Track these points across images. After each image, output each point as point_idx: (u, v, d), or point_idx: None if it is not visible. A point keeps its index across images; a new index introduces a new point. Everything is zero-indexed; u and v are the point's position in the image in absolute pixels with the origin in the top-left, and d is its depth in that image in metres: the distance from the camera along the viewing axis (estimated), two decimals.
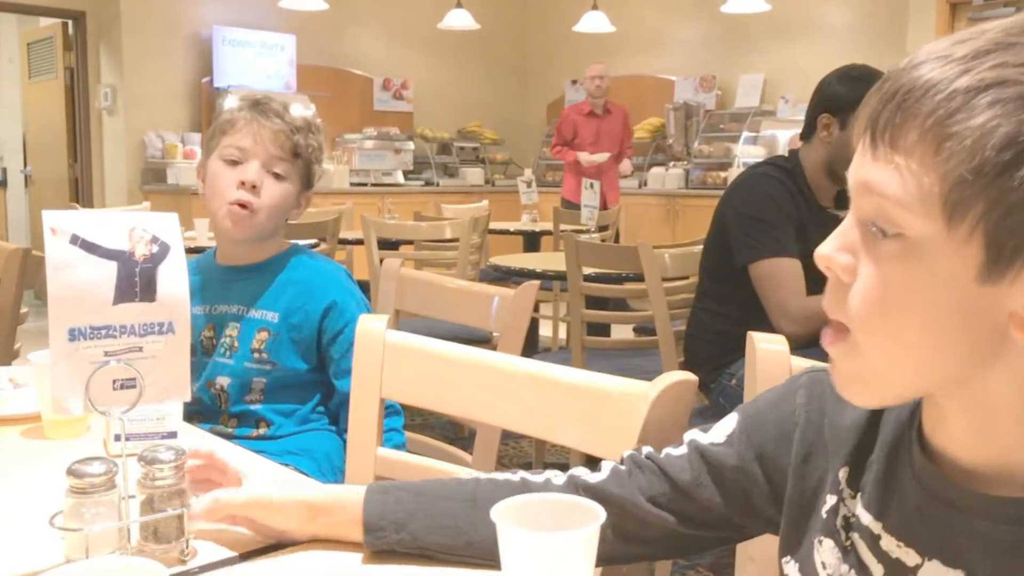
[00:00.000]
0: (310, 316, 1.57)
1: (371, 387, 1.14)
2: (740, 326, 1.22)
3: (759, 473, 0.78)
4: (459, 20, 7.07)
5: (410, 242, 4.34)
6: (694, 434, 0.83)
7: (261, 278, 1.61)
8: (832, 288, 0.62)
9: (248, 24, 7.27)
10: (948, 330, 0.58)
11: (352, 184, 7.42)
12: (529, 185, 5.24)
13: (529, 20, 8.98)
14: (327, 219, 3.97)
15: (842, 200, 2.28)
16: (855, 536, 0.69)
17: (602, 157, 6.14)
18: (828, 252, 0.62)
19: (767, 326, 2.04)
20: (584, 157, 6.15)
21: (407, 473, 1.18)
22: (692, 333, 2.40)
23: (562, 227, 4.70)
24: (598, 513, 0.68)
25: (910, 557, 0.65)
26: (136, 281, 0.87)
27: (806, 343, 2.03)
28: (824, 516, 0.72)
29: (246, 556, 0.86)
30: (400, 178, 7.84)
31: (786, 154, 2.37)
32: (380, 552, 0.84)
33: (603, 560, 0.73)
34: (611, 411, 0.94)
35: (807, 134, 2.25)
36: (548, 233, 5.04)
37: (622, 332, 3.66)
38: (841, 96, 2.14)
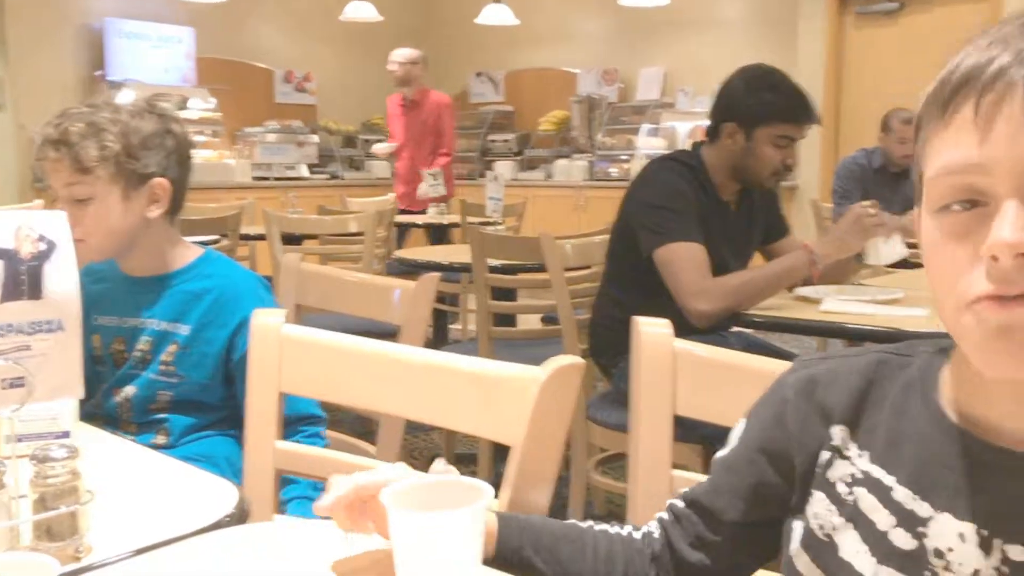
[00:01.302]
0: (222, 330, 1.55)
1: (268, 380, 1.15)
2: (641, 313, 1.27)
3: (764, 462, 0.81)
4: (361, 12, 7.01)
5: (315, 237, 4.30)
6: (719, 454, 0.86)
7: (172, 290, 1.57)
8: (1015, 271, 0.60)
9: (143, 16, 7.07)
10: None
11: (255, 178, 7.29)
12: (435, 178, 5.24)
13: (433, 12, 8.96)
14: (227, 214, 3.91)
15: (745, 199, 2.36)
16: (860, 491, 0.73)
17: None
18: (1015, 237, 0.60)
19: (668, 313, 2.09)
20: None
21: (307, 465, 1.19)
22: (595, 321, 2.46)
23: (469, 219, 4.72)
24: (484, 492, 0.71)
25: (923, 508, 0.70)
26: (23, 279, 0.87)
27: (719, 322, 2.12)
28: (817, 472, 0.77)
29: (141, 551, 0.87)
30: (304, 172, 7.73)
31: (688, 147, 2.44)
32: None
33: None
34: (505, 396, 0.97)
35: (712, 136, 2.31)
36: (457, 226, 5.06)
37: (532, 322, 3.71)
38: (748, 109, 2.21)
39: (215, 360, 1.55)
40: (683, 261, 2.13)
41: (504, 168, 7.67)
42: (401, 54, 5.72)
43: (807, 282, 2.20)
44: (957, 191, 0.63)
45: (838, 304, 2.05)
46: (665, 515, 0.88)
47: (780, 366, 0.93)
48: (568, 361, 0.93)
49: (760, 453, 0.81)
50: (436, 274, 1.60)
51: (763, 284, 2.11)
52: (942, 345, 0.75)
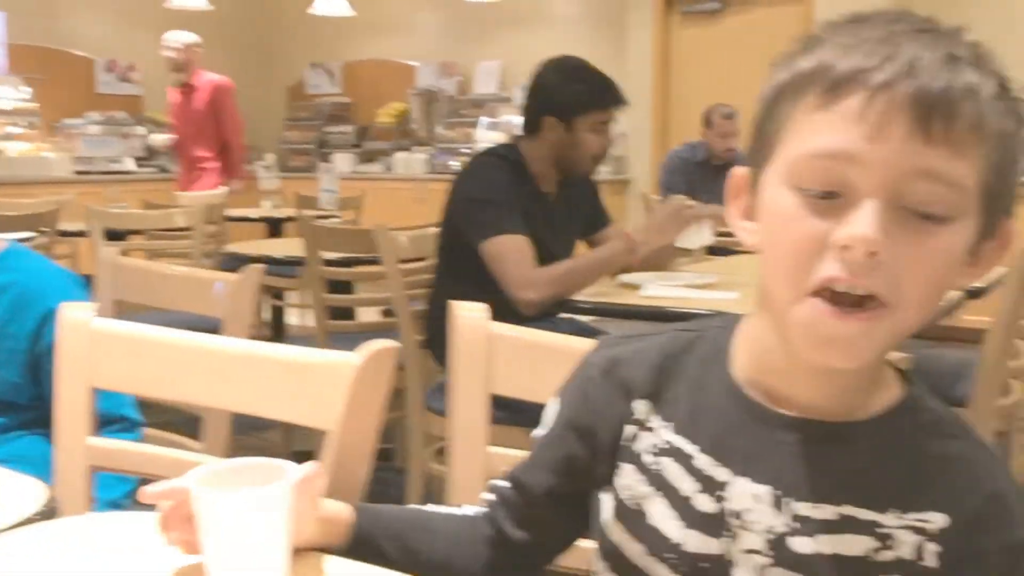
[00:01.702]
0: (25, 325, 1.48)
1: (77, 375, 1.11)
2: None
3: (573, 437, 0.84)
4: (188, 0, 6.77)
5: (141, 232, 4.13)
6: (535, 432, 0.89)
7: None
8: (867, 265, 0.64)
9: None
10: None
11: (77, 172, 6.91)
12: (269, 170, 5.13)
13: (265, 1, 8.73)
14: (43, 210, 3.70)
15: (565, 190, 2.44)
16: (665, 460, 0.78)
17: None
18: (875, 235, 0.63)
19: (499, 302, 2.15)
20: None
21: (124, 461, 1.16)
22: (430, 312, 2.48)
23: (305, 212, 4.64)
24: (289, 471, 0.72)
25: (721, 473, 0.75)
26: None
27: (548, 309, 2.18)
28: (622, 446, 0.81)
29: None
30: (130, 165, 7.39)
31: (508, 141, 2.50)
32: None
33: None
34: (320, 383, 0.97)
35: (530, 130, 2.37)
36: (293, 219, 4.97)
37: (373, 315, 3.69)
38: (565, 101, 2.30)
39: (22, 357, 1.48)
40: (508, 253, 2.19)
41: (342, 161, 7.59)
42: (178, 38, 5.51)
43: (628, 269, 2.30)
44: (825, 177, 0.66)
45: (658, 289, 2.15)
46: (490, 495, 0.90)
47: (589, 344, 0.98)
48: (381, 345, 0.94)
49: (569, 429, 0.85)
50: (259, 266, 1.58)
51: (586, 271, 2.20)
52: (731, 320, 0.81)
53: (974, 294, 2.27)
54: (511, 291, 2.17)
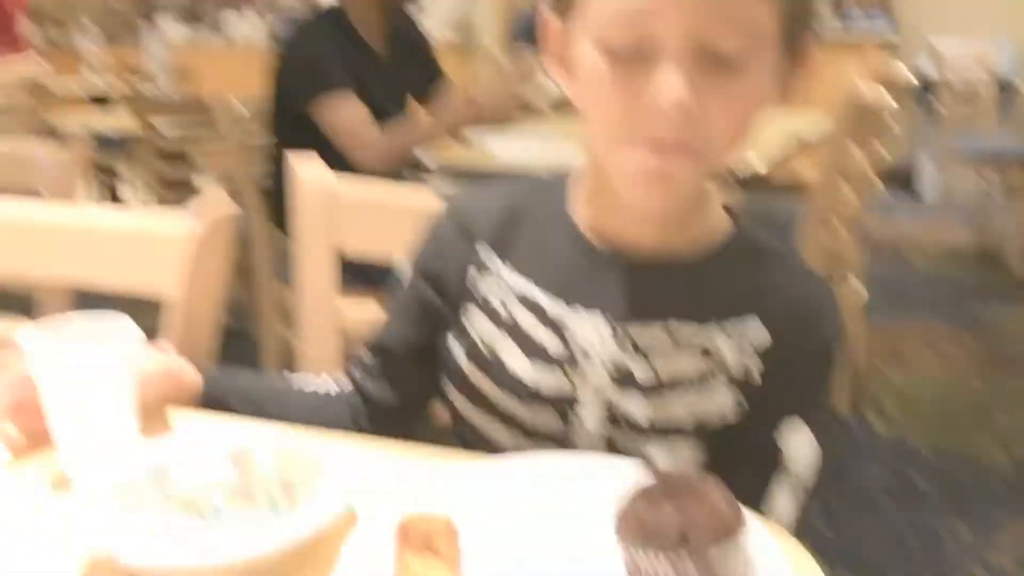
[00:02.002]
0: None
1: None
2: None
3: (424, 285, 0.85)
4: None
5: None
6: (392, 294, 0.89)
7: None
8: (679, 118, 0.66)
9: None
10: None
11: None
12: (89, 38, 4.76)
13: None
14: None
15: (395, 45, 2.38)
16: (512, 303, 0.80)
17: None
18: (682, 96, 0.65)
19: (340, 166, 2.11)
20: None
21: None
22: (272, 186, 2.39)
23: (134, 83, 4.35)
24: (126, 324, 0.70)
25: (563, 309, 0.78)
26: None
27: (388, 170, 2.15)
28: (467, 288, 0.83)
29: None
30: None
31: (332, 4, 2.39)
32: None
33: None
34: (157, 249, 0.94)
35: None
36: (121, 92, 4.65)
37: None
38: None
39: None
40: (341, 113, 2.16)
41: (170, 26, 7.11)
42: None
43: (465, 124, 2.29)
44: (630, 34, 0.66)
45: (501, 146, 2.16)
46: (352, 366, 0.91)
47: (434, 201, 0.97)
48: (220, 206, 0.91)
49: (421, 278, 0.86)
50: (83, 136, 1.48)
51: (424, 130, 2.19)
52: (569, 170, 0.83)
53: (804, 145, 2.38)
54: (349, 154, 2.14)
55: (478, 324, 0.82)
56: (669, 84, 0.65)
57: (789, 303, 0.77)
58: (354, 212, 1.07)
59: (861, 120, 1.97)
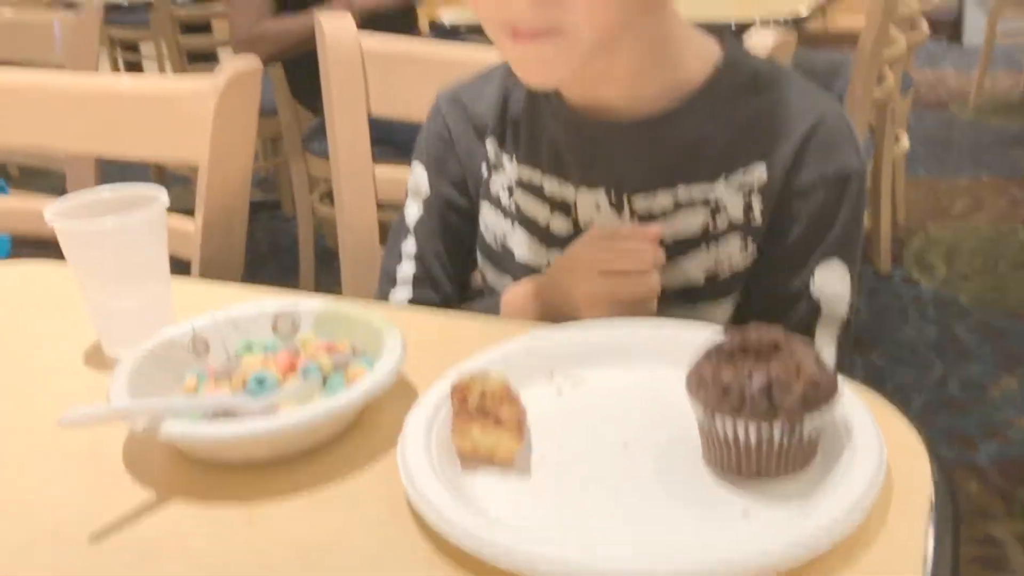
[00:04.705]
0: None
1: None
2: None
3: (450, 188, 0.82)
4: None
5: None
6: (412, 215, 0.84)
7: None
8: (528, 9, 0.63)
9: None
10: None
11: None
12: None
13: None
14: None
15: None
16: (519, 193, 0.77)
17: None
18: (526, 4, 0.62)
19: None
20: None
21: None
22: (289, 59, 2.33)
23: None
24: (159, 194, 0.67)
25: (568, 191, 0.75)
26: None
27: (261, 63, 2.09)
28: (481, 187, 0.80)
29: None
30: None
31: None
32: None
33: None
34: (181, 112, 0.90)
35: None
36: None
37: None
38: None
39: None
40: (236, 6, 2.09)
41: None
42: None
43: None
44: None
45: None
46: (387, 285, 0.86)
47: (462, 50, 0.92)
48: (243, 66, 0.87)
49: (445, 184, 0.83)
50: (97, 2, 1.42)
51: (301, 33, 2.04)
52: None
53: None
54: (232, 40, 2.11)
55: (488, 220, 0.80)
56: None
57: (788, 132, 0.70)
58: (384, 70, 1.01)
59: None
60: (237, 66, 0.87)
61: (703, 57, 0.73)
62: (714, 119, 0.71)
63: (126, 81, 0.92)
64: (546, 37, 0.64)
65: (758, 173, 0.71)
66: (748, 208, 0.71)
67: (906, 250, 2.65)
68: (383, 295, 0.85)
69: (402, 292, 0.84)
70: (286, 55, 2.13)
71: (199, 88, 0.89)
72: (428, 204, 0.84)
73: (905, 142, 2.57)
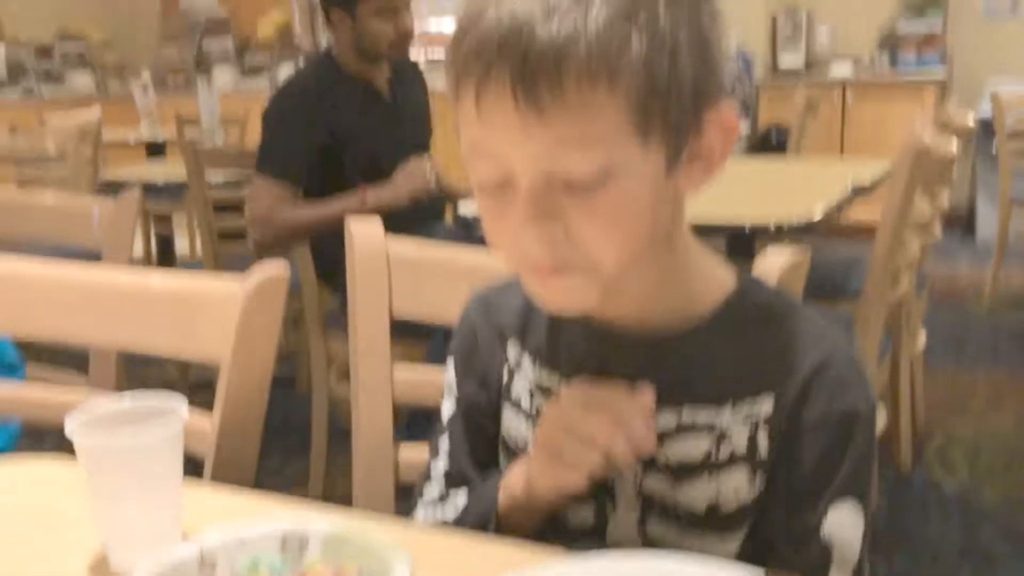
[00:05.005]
0: None
1: None
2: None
3: (478, 387, 0.83)
4: None
5: (9, 160, 3.88)
6: (446, 411, 0.86)
7: None
8: (547, 247, 0.64)
9: None
10: (655, 220, 0.66)
11: None
12: (146, 90, 4.87)
13: None
14: None
15: (400, 86, 2.35)
16: (538, 396, 0.77)
17: None
18: (534, 227, 0.63)
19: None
20: None
21: (8, 405, 1.09)
22: (315, 239, 2.40)
23: (187, 132, 4.44)
24: (179, 408, 0.67)
25: None
26: None
27: (273, 253, 2.16)
28: (502, 388, 0.81)
29: None
30: None
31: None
32: None
33: None
34: (207, 312, 0.92)
35: (329, 24, 2.29)
36: (174, 141, 4.74)
37: None
38: None
39: None
40: (255, 195, 2.22)
41: (223, 76, 7.27)
42: None
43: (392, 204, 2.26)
44: (486, 169, 0.65)
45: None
46: (438, 489, 0.86)
47: (486, 256, 0.95)
48: (271, 272, 0.89)
49: (470, 383, 0.84)
50: (136, 190, 1.48)
51: (310, 224, 2.21)
52: None
53: (862, 191, 2.33)
54: (247, 220, 2.22)
55: (509, 421, 0.81)
56: (518, 214, 0.63)
57: (796, 368, 0.70)
58: (410, 273, 1.04)
59: (922, 166, 1.92)
60: (265, 272, 0.89)
61: (715, 286, 0.74)
62: (722, 347, 0.72)
63: (156, 278, 0.95)
64: (568, 272, 0.66)
65: (766, 406, 0.70)
66: (753, 440, 0.71)
67: (927, 449, 2.61)
68: (420, 491, 0.85)
69: (435, 488, 0.84)
70: (298, 240, 2.23)
71: (227, 290, 0.91)
72: (458, 402, 0.85)
73: (922, 340, 2.57)
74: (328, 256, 2.33)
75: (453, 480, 0.83)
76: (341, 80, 2.27)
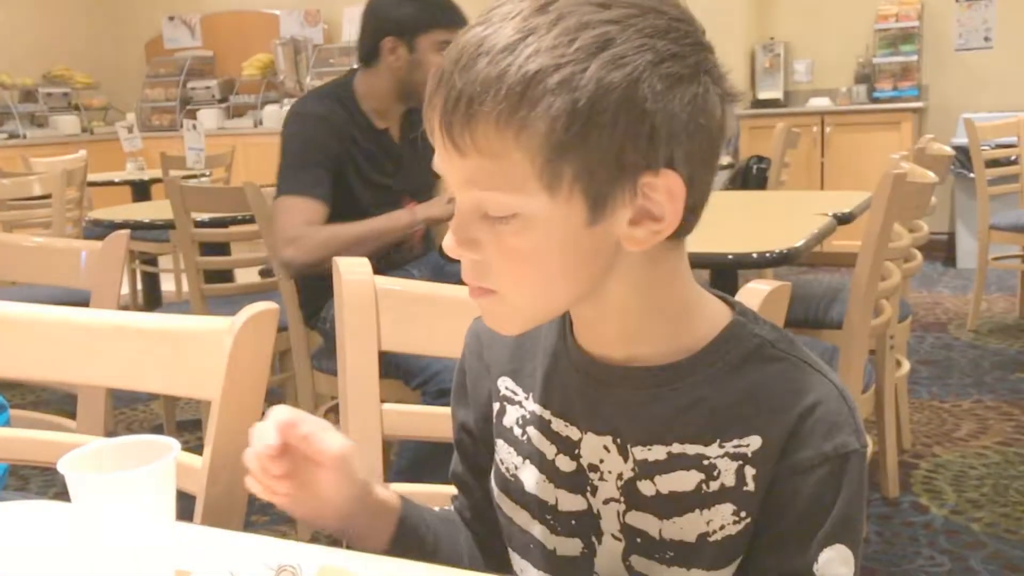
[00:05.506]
0: None
1: None
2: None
3: (467, 419, 0.87)
4: None
5: None
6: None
7: None
8: (467, 266, 0.69)
9: None
10: (574, 265, 0.68)
11: None
12: (131, 131, 4.89)
13: None
14: None
15: (409, 129, 2.29)
16: (531, 430, 0.79)
17: None
18: (455, 248, 0.68)
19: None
20: None
21: None
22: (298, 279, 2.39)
23: (172, 173, 4.46)
24: (171, 448, 0.68)
25: (573, 432, 0.76)
26: None
27: (309, 271, 2.10)
28: (494, 423, 0.83)
29: None
30: None
31: (343, 76, 2.31)
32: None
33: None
34: (196, 350, 0.93)
35: (368, 60, 2.20)
36: (159, 181, 4.76)
37: (251, 276, 3.57)
38: (405, 20, 2.14)
39: None
40: (284, 213, 2.11)
41: (208, 117, 7.30)
42: None
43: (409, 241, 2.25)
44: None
45: None
46: (455, 502, 0.92)
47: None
48: (261, 308, 0.90)
49: (459, 409, 0.88)
50: (124, 232, 1.49)
51: (355, 239, 2.10)
52: None
53: (843, 220, 2.36)
54: (274, 251, 2.11)
55: (503, 455, 0.82)
56: (451, 240, 0.68)
57: (787, 407, 0.70)
58: (398, 310, 1.06)
59: (901, 195, 1.95)
60: (255, 307, 0.90)
61: (707, 324, 0.74)
62: (713, 384, 0.72)
63: (145, 318, 0.96)
64: (484, 295, 0.70)
65: (753, 444, 0.71)
66: (741, 476, 0.71)
67: (913, 475, 2.63)
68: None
69: (456, 502, 0.92)
70: (340, 255, 2.13)
71: (216, 327, 0.92)
72: (455, 425, 0.89)
73: (906, 366, 2.60)
74: (311, 300, 2.33)
75: (456, 477, 0.91)
76: (357, 115, 2.20)
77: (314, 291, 2.28)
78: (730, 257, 1.87)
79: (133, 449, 0.70)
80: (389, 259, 2.22)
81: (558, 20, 0.63)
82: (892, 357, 2.43)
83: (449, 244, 0.69)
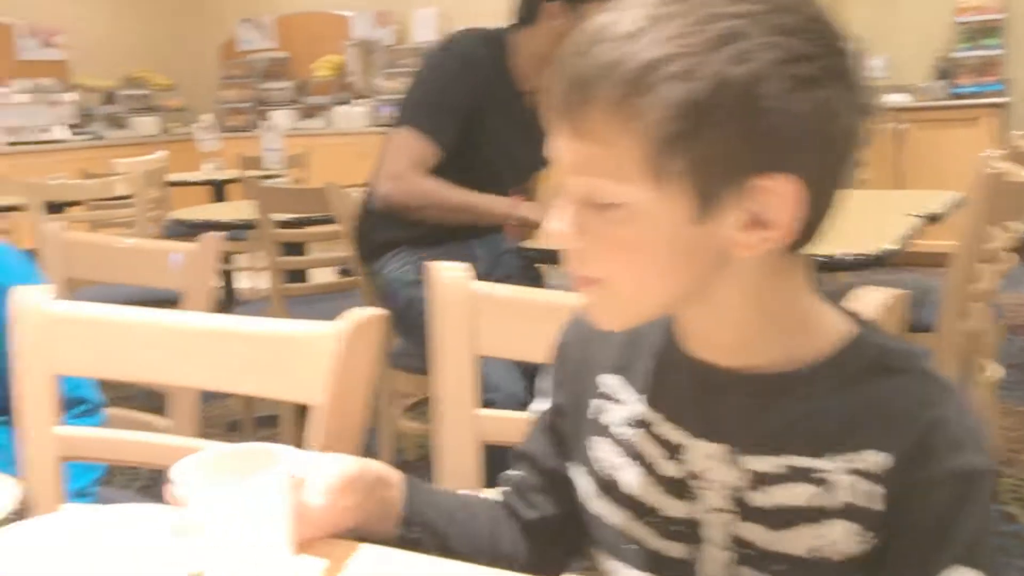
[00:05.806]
0: None
1: (37, 363, 1.05)
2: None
3: (556, 417, 0.86)
4: None
5: (80, 203, 3.99)
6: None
7: None
8: (572, 254, 0.69)
9: None
10: (679, 263, 0.67)
11: (9, 144, 6.66)
12: (208, 131, 4.99)
13: None
14: None
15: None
16: (637, 431, 0.77)
17: None
18: (558, 229, 0.68)
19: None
20: None
21: (94, 449, 1.11)
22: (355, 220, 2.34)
23: (248, 173, 4.53)
24: (283, 457, 0.68)
25: (683, 437, 0.75)
26: None
27: (396, 211, 2.04)
28: (590, 419, 0.81)
29: None
30: (62, 133, 7.15)
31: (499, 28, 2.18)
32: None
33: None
34: (299, 355, 0.93)
35: (527, 20, 2.08)
36: (236, 181, 4.85)
37: (326, 276, 3.62)
38: None
39: None
40: (400, 147, 2.05)
41: (282, 117, 7.42)
42: None
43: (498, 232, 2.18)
44: (557, 181, 0.70)
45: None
46: (503, 487, 0.90)
47: (570, 299, 0.95)
48: (368, 313, 0.90)
49: (561, 397, 0.86)
50: (219, 234, 1.52)
51: (453, 206, 2.07)
52: None
53: (933, 219, 2.29)
54: (377, 180, 2.07)
55: (602, 454, 0.80)
56: (552, 217, 0.68)
57: (910, 422, 0.67)
58: (493, 314, 1.05)
59: (998, 196, 1.89)
60: (361, 312, 0.91)
61: (828, 334, 0.72)
62: (831, 396, 0.70)
63: (246, 324, 0.97)
64: (589, 285, 0.69)
65: (873, 459, 0.68)
66: (863, 493, 0.68)
67: (1002, 484, 2.54)
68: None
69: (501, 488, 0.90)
70: (426, 212, 2.06)
71: (321, 331, 0.92)
72: (551, 408, 0.87)
73: (994, 371, 2.51)
74: (366, 244, 2.29)
75: (517, 455, 0.89)
76: (502, 70, 2.10)
77: (370, 243, 2.26)
78: (820, 259, 1.83)
79: (248, 456, 0.70)
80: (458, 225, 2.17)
81: (687, 11, 0.63)
82: (982, 361, 2.35)
83: (554, 230, 0.68)
